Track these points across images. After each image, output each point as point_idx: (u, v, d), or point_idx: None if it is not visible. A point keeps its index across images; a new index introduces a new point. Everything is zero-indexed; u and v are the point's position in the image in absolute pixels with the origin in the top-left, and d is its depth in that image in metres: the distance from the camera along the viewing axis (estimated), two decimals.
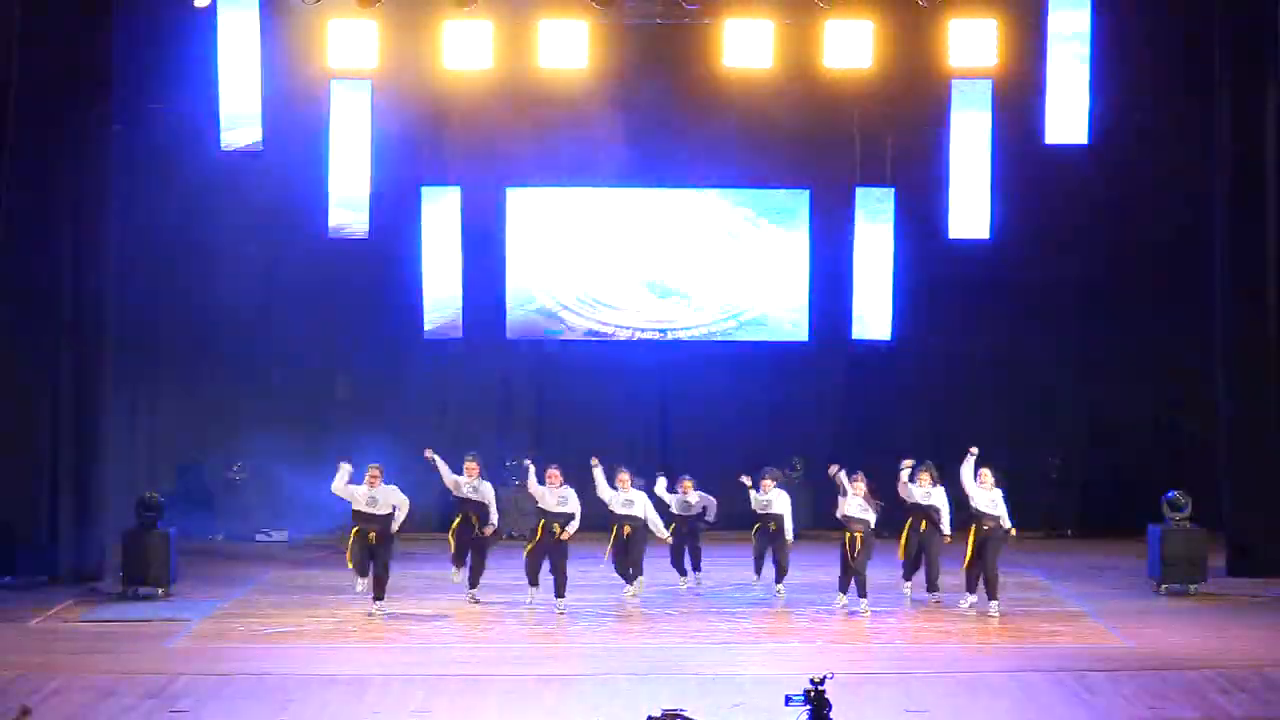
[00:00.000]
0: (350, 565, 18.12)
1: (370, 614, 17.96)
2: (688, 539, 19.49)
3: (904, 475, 18.44)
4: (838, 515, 18.42)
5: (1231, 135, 20.76)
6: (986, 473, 18.31)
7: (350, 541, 18.04)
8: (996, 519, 18.20)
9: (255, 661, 16.02)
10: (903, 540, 18.68)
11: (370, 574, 18.04)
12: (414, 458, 19.03)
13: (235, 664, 15.86)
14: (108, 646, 16.64)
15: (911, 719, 14.00)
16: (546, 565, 18.31)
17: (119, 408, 21.61)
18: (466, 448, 19.22)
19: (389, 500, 17.98)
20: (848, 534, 18.21)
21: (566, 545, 18.27)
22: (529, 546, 18.53)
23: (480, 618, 18.08)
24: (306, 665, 15.87)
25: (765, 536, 18.98)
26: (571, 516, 18.24)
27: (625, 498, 18.64)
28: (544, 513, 18.34)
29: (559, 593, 18.26)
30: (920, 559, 18.66)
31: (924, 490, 18.46)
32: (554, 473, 18.44)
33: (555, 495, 18.31)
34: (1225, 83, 20.80)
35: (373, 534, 17.94)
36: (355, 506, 17.97)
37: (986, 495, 18.24)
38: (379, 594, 18.08)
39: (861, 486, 18.27)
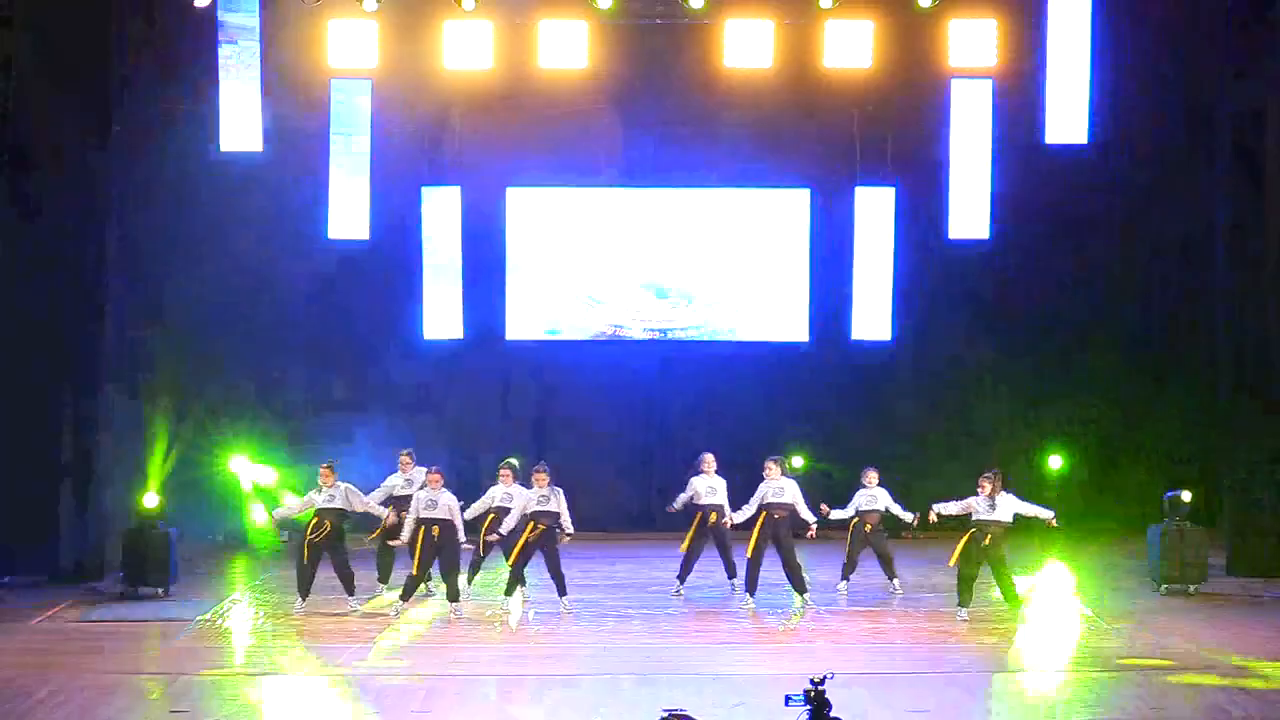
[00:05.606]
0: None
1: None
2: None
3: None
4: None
5: (1232, 134, 20.76)
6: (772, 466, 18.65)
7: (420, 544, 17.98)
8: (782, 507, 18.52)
9: (257, 662, 16.01)
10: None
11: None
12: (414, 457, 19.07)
13: (236, 664, 15.84)
14: (108, 646, 16.63)
15: (912, 719, 13.99)
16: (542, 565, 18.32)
17: (119, 408, 21.60)
18: (467, 448, 19.17)
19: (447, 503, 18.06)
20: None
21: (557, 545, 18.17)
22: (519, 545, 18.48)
23: (480, 618, 18.07)
24: (308, 665, 15.86)
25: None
26: (556, 515, 18.08)
27: (709, 484, 18.90)
28: (535, 514, 18.15)
29: (561, 591, 18.24)
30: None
31: (869, 494, 19.16)
32: (541, 474, 18.23)
33: (538, 495, 18.13)
34: (1225, 82, 20.81)
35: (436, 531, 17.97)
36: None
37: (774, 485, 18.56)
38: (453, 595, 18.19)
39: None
